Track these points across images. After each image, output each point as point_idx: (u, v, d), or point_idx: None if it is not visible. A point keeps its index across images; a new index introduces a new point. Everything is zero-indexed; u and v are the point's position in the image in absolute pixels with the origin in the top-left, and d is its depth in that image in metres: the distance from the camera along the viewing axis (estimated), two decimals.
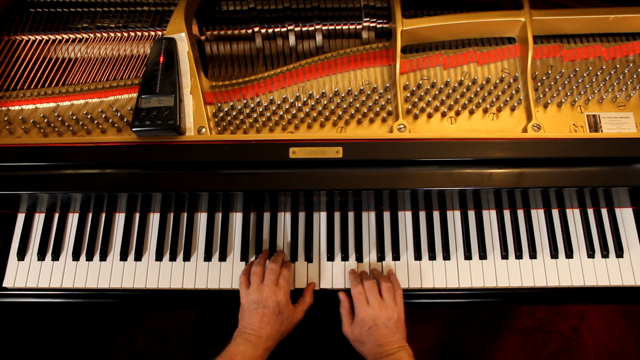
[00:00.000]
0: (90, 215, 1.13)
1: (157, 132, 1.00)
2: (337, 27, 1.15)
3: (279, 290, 0.97)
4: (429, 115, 1.08)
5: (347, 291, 1.04)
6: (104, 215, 1.13)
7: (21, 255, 1.09)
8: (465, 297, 1.08)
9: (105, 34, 1.16)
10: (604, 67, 1.10)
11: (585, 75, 1.11)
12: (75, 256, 1.09)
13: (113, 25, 1.16)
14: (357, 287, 1.00)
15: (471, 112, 1.08)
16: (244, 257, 1.08)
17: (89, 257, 1.09)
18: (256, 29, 1.15)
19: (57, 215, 1.13)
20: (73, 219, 1.13)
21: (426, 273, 1.07)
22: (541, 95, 1.09)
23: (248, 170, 1.01)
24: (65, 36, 1.16)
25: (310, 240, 1.10)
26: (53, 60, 1.15)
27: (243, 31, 1.15)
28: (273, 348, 0.96)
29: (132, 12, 1.18)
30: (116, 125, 1.06)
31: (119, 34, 1.16)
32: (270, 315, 0.94)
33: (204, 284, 1.07)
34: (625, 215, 1.12)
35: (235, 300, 1.09)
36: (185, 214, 1.13)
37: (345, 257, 1.09)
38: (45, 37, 1.16)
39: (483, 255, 1.08)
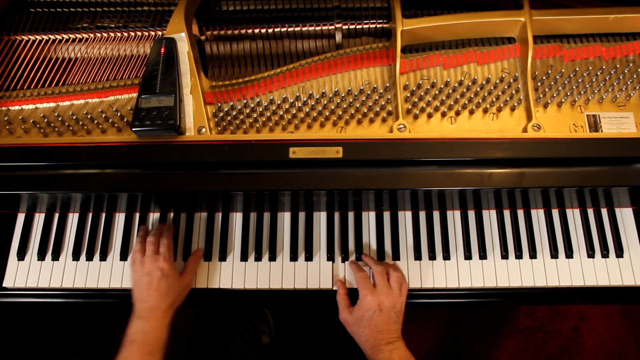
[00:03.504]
0: (90, 215, 1.13)
1: (157, 132, 1.00)
2: (337, 27, 1.15)
3: (159, 257, 0.99)
4: (429, 115, 1.08)
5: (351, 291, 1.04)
6: (104, 215, 1.13)
7: (21, 255, 1.09)
8: (465, 297, 1.08)
9: (105, 34, 1.16)
10: (604, 67, 1.10)
11: (585, 75, 1.11)
12: (75, 256, 1.09)
13: (113, 25, 1.16)
14: (362, 272, 1.02)
15: (471, 112, 1.08)
16: (244, 256, 1.08)
17: (89, 257, 1.09)
18: (256, 29, 1.15)
19: (57, 215, 1.13)
20: (73, 219, 1.13)
21: (426, 273, 1.07)
22: (541, 95, 1.09)
23: (248, 170, 1.01)
24: (65, 36, 1.16)
25: (310, 240, 1.10)
26: (53, 60, 1.15)
27: (243, 31, 1.15)
28: (172, 313, 0.98)
29: (132, 12, 1.17)
30: (116, 125, 1.06)
31: (119, 34, 1.16)
32: (156, 282, 0.97)
33: (204, 283, 1.07)
34: (625, 215, 1.12)
35: (235, 300, 1.09)
36: (185, 214, 1.13)
37: (345, 257, 1.09)
38: (45, 37, 1.16)
39: (483, 255, 1.08)
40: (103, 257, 1.09)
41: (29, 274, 1.08)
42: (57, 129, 1.07)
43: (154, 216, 1.13)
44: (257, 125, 1.06)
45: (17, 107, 1.10)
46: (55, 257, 1.09)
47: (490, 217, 1.12)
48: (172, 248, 1.04)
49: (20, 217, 1.13)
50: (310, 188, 1.01)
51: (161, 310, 0.96)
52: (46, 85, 1.12)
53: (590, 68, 1.12)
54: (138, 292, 0.98)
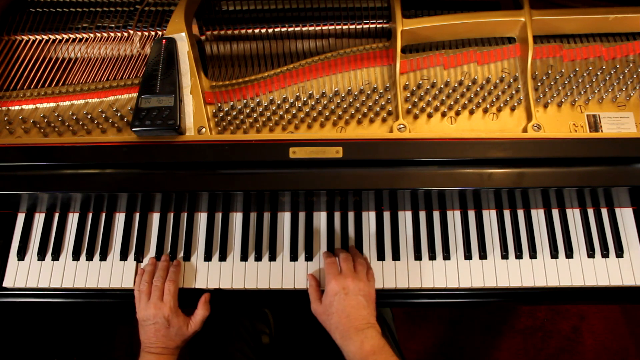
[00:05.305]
0: (90, 215, 1.13)
1: (157, 132, 1.00)
2: (337, 27, 1.15)
3: (164, 306, 0.99)
4: (429, 115, 1.08)
5: None
6: (104, 215, 1.13)
7: (21, 255, 1.09)
8: (465, 297, 1.08)
9: (105, 34, 1.16)
10: (604, 67, 1.10)
11: (585, 75, 1.11)
12: (75, 256, 1.09)
13: (113, 25, 1.16)
14: (329, 258, 1.02)
15: (471, 112, 1.08)
16: (244, 257, 1.08)
17: (89, 257, 1.09)
18: (256, 29, 1.15)
19: (57, 215, 1.13)
20: (73, 219, 1.13)
21: (426, 273, 1.07)
22: (541, 95, 1.09)
23: (248, 170, 1.01)
24: (65, 36, 1.16)
25: (310, 240, 1.10)
26: (53, 60, 1.15)
27: (243, 31, 1.15)
28: (178, 352, 1.01)
29: (132, 12, 1.18)
30: (116, 125, 1.06)
31: (119, 34, 1.16)
32: (162, 329, 0.98)
33: (204, 283, 1.07)
34: (625, 215, 1.12)
35: (235, 301, 1.09)
36: (186, 214, 1.13)
37: None
38: (45, 37, 1.16)
39: (483, 255, 1.08)
40: (103, 257, 1.09)
41: (29, 274, 1.08)
42: (57, 129, 1.07)
43: (154, 216, 1.13)
44: (257, 125, 1.06)
45: (17, 107, 1.10)
46: (55, 257, 1.09)
47: (490, 217, 1.12)
48: (177, 294, 1.03)
49: (20, 217, 1.13)
50: (310, 188, 1.01)
51: (171, 348, 0.98)
52: (46, 85, 1.12)
53: (590, 68, 1.12)
54: (144, 334, 0.99)
